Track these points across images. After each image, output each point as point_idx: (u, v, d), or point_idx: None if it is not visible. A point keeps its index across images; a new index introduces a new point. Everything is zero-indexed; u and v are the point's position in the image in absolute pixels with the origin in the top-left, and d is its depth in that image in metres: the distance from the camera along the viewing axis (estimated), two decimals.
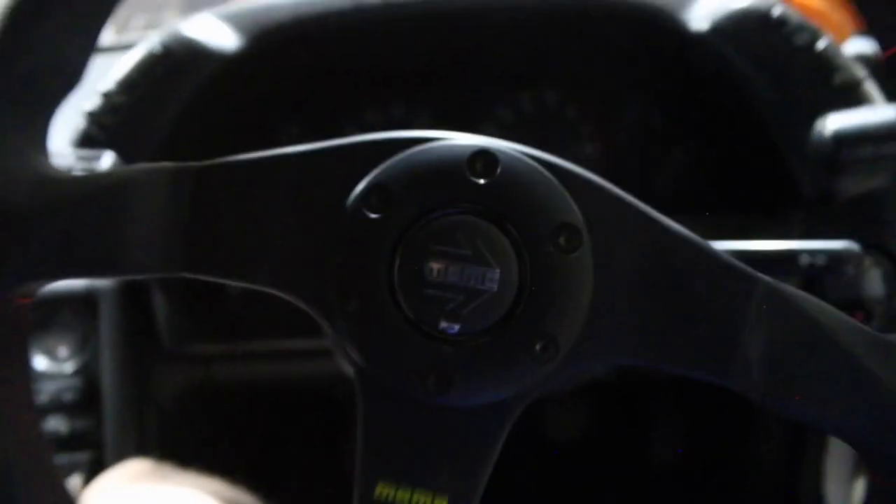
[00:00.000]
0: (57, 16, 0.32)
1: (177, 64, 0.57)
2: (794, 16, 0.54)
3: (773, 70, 0.55)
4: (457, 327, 0.30)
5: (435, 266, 0.30)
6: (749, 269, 0.31)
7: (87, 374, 0.71)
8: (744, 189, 0.67)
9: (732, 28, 0.55)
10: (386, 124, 0.73)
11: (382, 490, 0.32)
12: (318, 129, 0.72)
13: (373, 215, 0.31)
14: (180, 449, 0.72)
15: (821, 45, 0.54)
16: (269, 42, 0.60)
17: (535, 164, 0.31)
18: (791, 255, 0.43)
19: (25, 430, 0.32)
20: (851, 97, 0.54)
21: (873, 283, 0.66)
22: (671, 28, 0.57)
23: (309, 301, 0.32)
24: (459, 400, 0.31)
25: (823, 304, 0.31)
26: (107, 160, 0.55)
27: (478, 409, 0.31)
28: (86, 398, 0.71)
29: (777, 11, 0.54)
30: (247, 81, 0.62)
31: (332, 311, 0.31)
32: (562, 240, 0.31)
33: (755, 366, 0.30)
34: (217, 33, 0.59)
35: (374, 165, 0.31)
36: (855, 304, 0.67)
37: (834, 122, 0.53)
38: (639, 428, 1.13)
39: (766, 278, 0.31)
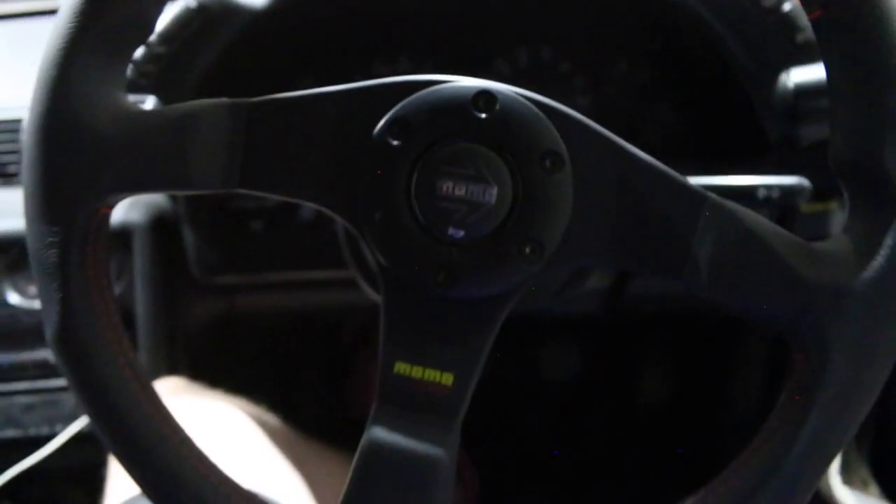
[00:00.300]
0: None
1: (210, 18, 0.63)
2: None
3: (744, 30, 0.61)
4: (462, 233, 0.37)
5: (444, 184, 0.37)
6: (698, 188, 0.38)
7: (122, 304, 0.78)
8: (721, 137, 0.74)
9: None
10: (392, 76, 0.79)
11: (400, 367, 0.39)
12: (329, 82, 0.78)
13: (394, 142, 0.38)
14: (207, 372, 0.80)
15: (786, 7, 0.60)
16: (294, 0, 0.66)
17: (528, 102, 0.38)
18: (751, 189, 0.50)
19: (109, 316, 0.39)
20: (811, 54, 0.60)
21: (837, 224, 0.73)
22: None
23: (343, 213, 0.39)
24: (463, 292, 0.38)
25: (759, 216, 0.38)
26: (149, 104, 0.62)
27: (478, 301, 0.39)
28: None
29: None
30: (271, 35, 0.69)
31: (362, 220, 0.38)
32: (547, 163, 0.37)
33: (703, 267, 0.37)
34: None
35: (396, 102, 0.38)
36: (822, 237, 0.74)
37: (795, 76, 0.60)
38: (627, 366, 1.20)
39: (713, 195, 0.38)
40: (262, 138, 0.39)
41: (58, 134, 0.37)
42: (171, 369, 0.78)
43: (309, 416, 0.77)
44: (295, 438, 0.73)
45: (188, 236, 0.74)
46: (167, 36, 0.62)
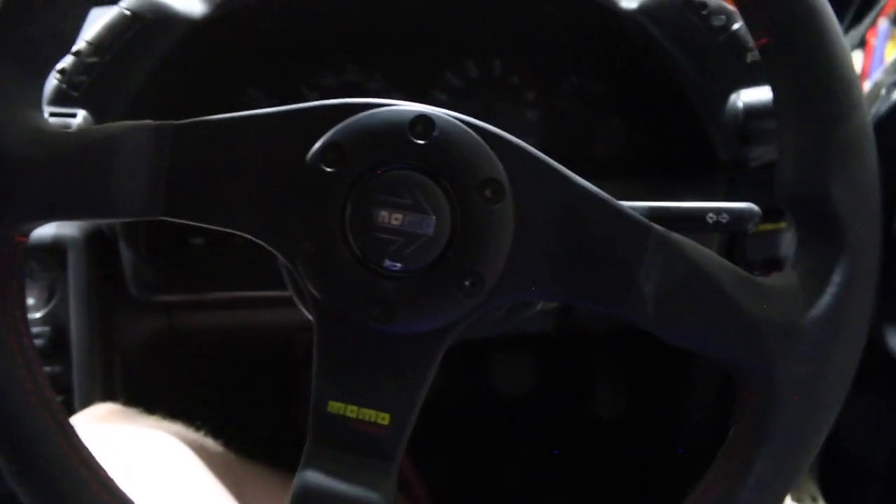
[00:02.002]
0: None
1: (145, 27, 0.60)
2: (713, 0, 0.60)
3: (693, 48, 0.60)
4: (399, 265, 0.36)
5: (381, 213, 0.35)
6: (643, 220, 0.37)
7: (55, 322, 0.75)
8: (673, 155, 0.73)
9: (656, 8, 0.60)
10: (341, 88, 0.77)
11: (333, 406, 0.37)
12: (276, 93, 0.76)
13: (328, 169, 0.36)
14: (144, 395, 0.77)
15: (735, 26, 0.59)
16: (231, 9, 0.64)
17: (466, 128, 0.37)
18: (700, 213, 0.49)
19: (26, 356, 0.37)
20: (761, 74, 0.60)
21: (788, 244, 0.73)
22: (603, 6, 0.62)
23: (273, 243, 0.37)
24: (401, 328, 0.36)
25: (706, 250, 0.37)
26: (79, 117, 0.59)
27: (416, 337, 0.37)
28: (53, 345, 0.74)
29: None
30: (210, 46, 0.66)
31: (294, 251, 0.36)
32: (488, 192, 0.36)
33: (648, 301, 0.36)
34: None
35: (330, 126, 0.36)
36: (771, 263, 0.74)
37: (745, 97, 0.59)
38: (580, 380, 1.20)
39: (658, 227, 0.37)
40: (187, 163, 0.37)
41: None
42: (107, 391, 0.75)
43: (255, 437, 0.74)
44: (235, 464, 0.71)
45: (125, 252, 0.71)
46: (99, 45, 0.59)
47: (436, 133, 0.36)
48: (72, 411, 0.73)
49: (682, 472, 1.00)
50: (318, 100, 0.75)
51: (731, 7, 0.60)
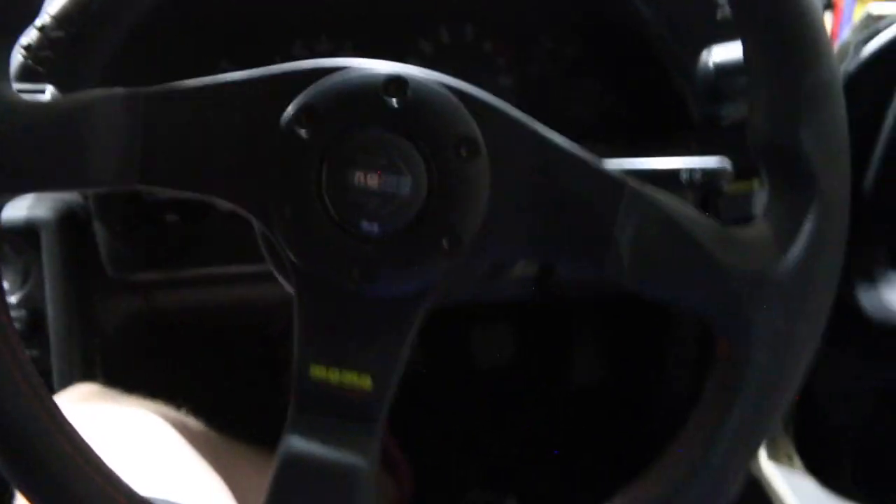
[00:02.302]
0: None
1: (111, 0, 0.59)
2: None
3: (665, 6, 0.60)
4: (376, 227, 0.35)
5: (356, 175, 0.35)
6: (618, 175, 0.37)
7: (31, 305, 0.74)
8: (647, 116, 0.73)
9: None
10: (312, 58, 0.76)
11: (315, 370, 0.37)
12: (247, 64, 0.75)
13: (302, 132, 0.35)
14: (124, 376, 0.76)
15: None
16: None
17: (440, 87, 0.36)
18: (673, 172, 0.49)
19: (4, 333, 0.36)
20: (730, 32, 0.60)
21: (761, 203, 0.74)
22: None
23: (251, 209, 0.37)
24: (380, 290, 0.36)
25: (680, 202, 0.37)
26: (47, 93, 0.58)
27: (396, 299, 0.37)
28: (30, 328, 0.73)
29: None
30: (179, 18, 0.65)
31: (271, 216, 0.36)
32: (462, 150, 0.36)
33: (623, 256, 0.37)
34: None
35: (303, 89, 0.36)
36: (744, 222, 0.75)
37: (716, 55, 0.59)
38: (559, 348, 1.20)
39: (632, 182, 0.37)
40: (160, 130, 0.36)
41: None
42: (86, 373, 0.75)
43: (237, 413, 0.74)
44: (218, 441, 0.70)
45: (99, 231, 0.70)
46: (64, 18, 0.58)
47: (409, 93, 0.36)
48: (51, 393, 0.73)
49: (662, 438, 1.01)
50: None
51: None
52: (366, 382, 0.37)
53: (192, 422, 0.70)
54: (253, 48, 0.75)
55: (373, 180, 0.35)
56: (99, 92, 0.36)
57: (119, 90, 0.36)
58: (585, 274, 0.38)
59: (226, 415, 0.74)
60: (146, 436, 0.63)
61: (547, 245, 0.37)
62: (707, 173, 0.50)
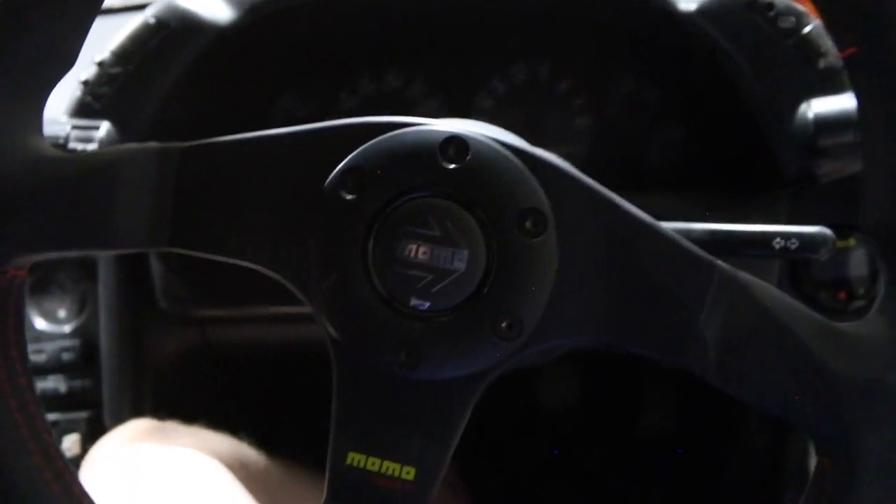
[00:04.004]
0: (54, 1, 0.33)
1: (171, 35, 0.58)
2: (781, 0, 0.54)
3: (759, 53, 0.55)
4: (427, 304, 0.32)
5: (407, 246, 0.32)
6: (707, 256, 0.32)
7: (86, 335, 0.73)
8: (732, 167, 0.68)
9: (718, 10, 0.55)
10: (380, 93, 0.73)
11: (353, 458, 0.33)
12: (312, 98, 0.73)
13: (348, 197, 0.32)
14: (175, 409, 0.74)
15: (806, 29, 0.54)
16: (263, 13, 0.60)
17: (504, 150, 0.32)
18: (766, 237, 0.44)
19: (21, 397, 0.34)
20: (835, 83, 0.54)
21: (857, 263, 0.67)
22: (660, 8, 0.58)
23: (288, 277, 0.33)
24: (428, 374, 0.32)
25: (777, 291, 0.32)
26: (102, 130, 0.57)
27: (446, 384, 0.33)
28: (84, 358, 0.72)
29: None
30: (241, 52, 0.63)
31: (310, 286, 0.33)
32: (528, 223, 0.32)
33: (710, 351, 0.32)
34: (211, 4, 0.60)
35: (351, 149, 0.33)
36: (839, 283, 0.69)
37: (816, 107, 0.54)
38: (629, 395, 1.14)
39: (723, 265, 0.32)
40: (194, 189, 0.33)
41: None
42: (137, 406, 0.73)
43: (286, 456, 0.71)
44: (276, 471, 0.68)
45: (155, 266, 0.68)
46: (122, 55, 0.57)
47: (469, 156, 0.32)
48: (101, 426, 0.72)
49: (735, 490, 0.95)
50: (357, 106, 0.72)
51: (801, 8, 0.55)
52: (409, 474, 0.33)
53: (249, 453, 0.68)
54: (318, 80, 0.73)
55: (425, 253, 0.32)
56: (131, 147, 0.34)
57: (153, 144, 0.34)
58: (663, 364, 0.33)
59: (277, 450, 0.71)
60: (201, 477, 0.60)
61: (619, 332, 0.33)
62: (805, 242, 0.45)
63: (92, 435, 0.69)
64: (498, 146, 0.32)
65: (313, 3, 0.62)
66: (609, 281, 0.32)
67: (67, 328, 0.73)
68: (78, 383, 0.72)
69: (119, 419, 0.71)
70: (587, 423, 1.15)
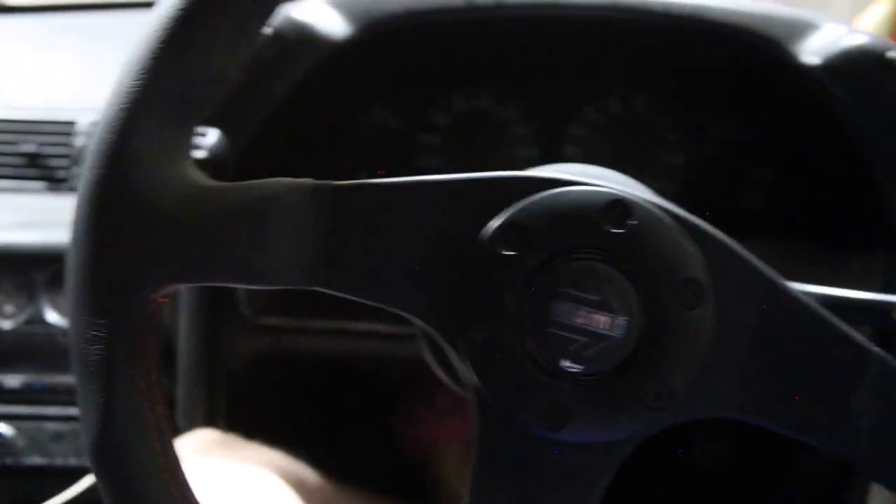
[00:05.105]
0: (216, 26, 0.32)
1: (287, 47, 0.58)
2: None
3: (883, 112, 0.54)
4: (578, 368, 0.31)
5: (562, 307, 0.31)
6: (863, 341, 0.32)
7: (164, 334, 0.73)
8: (831, 220, 0.67)
9: (845, 67, 0.54)
10: (472, 115, 0.73)
11: None
12: (403, 111, 0.73)
13: (507, 252, 0.32)
14: (247, 414, 0.75)
15: None
16: (377, 31, 0.60)
17: (668, 217, 0.32)
18: (884, 307, 0.43)
19: (158, 423, 0.34)
20: None
21: None
22: (780, 58, 0.57)
23: (438, 327, 0.33)
24: (573, 436, 0.32)
25: None
26: (211, 137, 0.57)
27: (588, 448, 0.33)
28: (161, 357, 0.73)
29: (893, 54, 0.53)
30: (347, 66, 0.63)
31: (459, 339, 0.32)
32: (687, 294, 0.31)
33: (865, 439, 0.31)
34: (327, 19, 0.60)
35: (512, 202, 0.32)
36: None
37: None
38: (684, 427, 1.13)
39: (879, 352, 0.32)
40: (347, 231, 0.33)
41: (113, 211, 0.32)
42: (210, 408, 0.73)
43: (350, 472, 0.71)
44: (332, 493, 0.68)
45: None
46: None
47: (633, 221, 0.31)
48: (175, 426, 0.72)
49: None
50: (448, 124, 0.71)
51: None
52: None
53: (310, 474, 0.68)
54: (411, 94, 0.72)
55: (581, 317, 0.31)
56: (285, 182, 0.33)
57: (307, 182, 0.33)
58: (810, 445, 0.33)
59: (339, 463, 0.71)
60: (262, 495, 0.61)
61: (768, 411, 0.32)
62: None
63: None
64: (661, 213, 0.32)
65: (428, 23, 0.62)
66: (761, 358, 0.32)
67: None
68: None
69: (193, 420, 0.72)
70: (637, 452, 1.13)
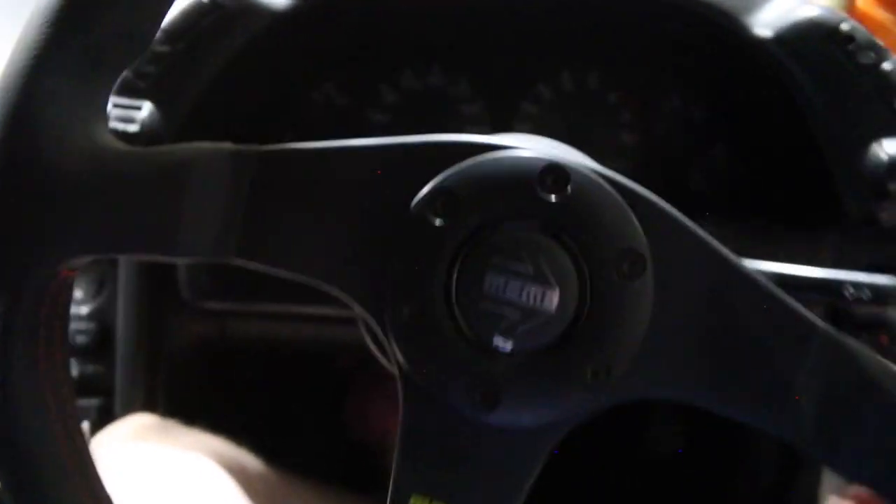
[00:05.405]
0: None
1: (224, 16, 0.55)
2: (862, 33, 0.52)
3: (833, 86, 0.53)
4: (510, 345, 0.30)
5: (494, 280, 0.30)
6: (810, 316, 0.31)
7: (102, 318, 0.70)
8: (781, 198, 0.66)
9: (796, 39, 0.53)
10: (423, 90, 0.71)
11: (416, 501, 0.31)
12: (353, 88, 0.70)
13: (437, 221, 0.30)
14: (187, 402, 0.72)
15: (887, 65, 0.52)
16: (323, 1, 0.58)
17: (607, 185, 0.30)
18: (837, 285, 0.42)
19: (61, 405, 0.31)
20: None
21: None
22: (732, 30, 0.55)
23: (361, 301, 0.31)
24: (504, 419, 0.30)
25: (884, 361, 0.30)
26: (144, 110, 0.54)
27: (521, 430, 0.31)
28: (98, 343, 0.70)
29: (845, 27, 0.52)
30: (291, 38, 0.61)
31: (385, 314, 0.31)
32: (625, 266, 0.30)
33: (807, 416, 0.30)
34: None
35: (442, 168, 0.30)
36: (880, 326, 0.67)
37: (889, 147, 0.52)
38: (634, 413, 1.12)
39: (825, 326, 0.31)
40: (267, 198, 0.31)
41: (14, 173, 0.29)
42: (149, 395, 0.71)
43: (292, 458, 0.69)
44: (275, 481, 0.66)
45: None
46: (172, 34, 0.54)
47: (570, 188, 0.30)
48: (112, 414, 0.69)
49: None
50: (397, 101, 0.70)
51: (882, 44, 0.53)
52: None
53: (251, 462, 0.66)
54: (360, 70, 0.70)
55: (514, 289, 0.29)
56: (204, 146, 0.31)
57: (227, 145, 0.31)
58: (751, 426, 0.31)
59: (289, 451, 0.69)
60: (199, 481, 0.59)
61: (710, 393, 0.31)
62: (878, 292, 0.43)
63: (102, 423, 0.66)
64: (600, 179, 0.30)
65: None
66: (704, 335, 0.31)
67: (84, 310, 0.70)
68: (90, 368, 0.70)
69: (130, 409, 0.69)
70: (592, 443, 1.13)
